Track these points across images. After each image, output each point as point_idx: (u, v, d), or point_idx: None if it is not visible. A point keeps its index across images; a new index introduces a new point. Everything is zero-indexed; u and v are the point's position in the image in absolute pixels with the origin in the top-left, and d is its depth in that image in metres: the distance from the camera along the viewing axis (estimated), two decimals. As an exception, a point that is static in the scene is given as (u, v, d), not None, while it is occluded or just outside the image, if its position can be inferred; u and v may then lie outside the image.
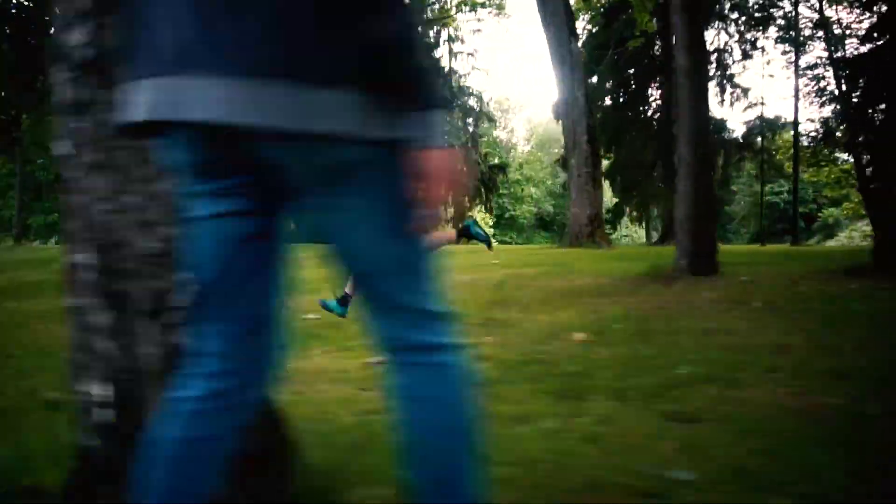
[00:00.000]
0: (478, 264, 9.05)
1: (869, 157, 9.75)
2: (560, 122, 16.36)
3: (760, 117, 27.09)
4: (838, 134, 26.11)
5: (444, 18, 23.63)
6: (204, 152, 1.01)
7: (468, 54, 33.75)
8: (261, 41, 0.91)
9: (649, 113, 25.85)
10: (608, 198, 28.02)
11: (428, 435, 1.13)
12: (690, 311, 5.06)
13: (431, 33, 27.75)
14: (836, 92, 24.40)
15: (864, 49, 10.70)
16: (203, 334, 1.12)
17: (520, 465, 1.87)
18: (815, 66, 25.78)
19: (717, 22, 25.41)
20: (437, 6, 27.37)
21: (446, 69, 32.88)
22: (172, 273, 1.45)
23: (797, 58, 25.63)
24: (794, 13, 25.21)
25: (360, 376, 3.22)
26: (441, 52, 32.11)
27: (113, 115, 1.16)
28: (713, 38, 24.97)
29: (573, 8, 19.32)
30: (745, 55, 26.29)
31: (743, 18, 25.83)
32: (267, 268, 1.13)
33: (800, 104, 25.71)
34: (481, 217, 43.99)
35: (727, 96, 26.58)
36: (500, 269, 8.40)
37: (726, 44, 26.39)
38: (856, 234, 42.33)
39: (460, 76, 34.33)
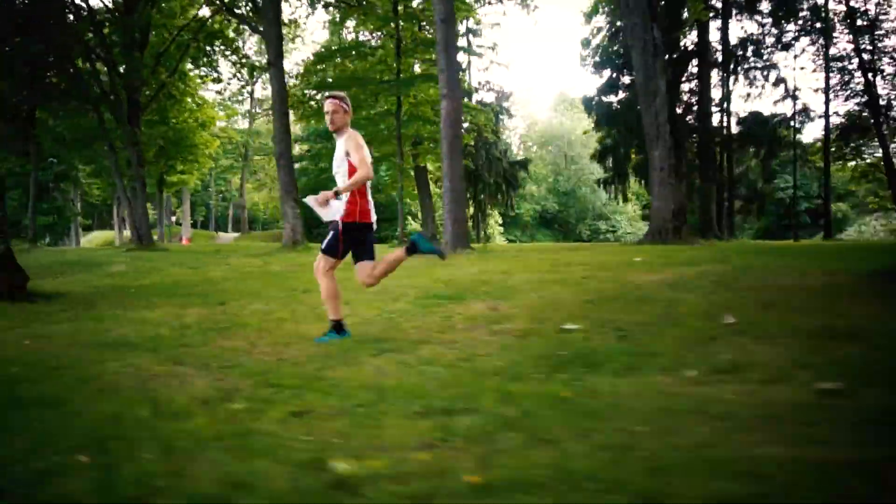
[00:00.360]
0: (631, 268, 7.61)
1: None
2: (640, 111, 16.04)
3: (804, 110, 27.07)
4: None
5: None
6: None
7: (488, 48, 33.67)
8: None
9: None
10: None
11: None
12: None
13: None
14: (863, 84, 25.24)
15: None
16: None
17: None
18: (842, 58, 26.24)
19: (744, 14, 25.60)
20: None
21: (465, 63, 32.94)
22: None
23: (827, 49, 25.82)
24: (823, 3, 25.41)
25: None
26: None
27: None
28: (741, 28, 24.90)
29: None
30: (779, 46, 26.31)
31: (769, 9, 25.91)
32: None
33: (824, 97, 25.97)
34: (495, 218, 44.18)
35: (759, 88, 26.68)
36: (665, 270, 7.07)
37: (752, 35, 26.50)
38: (865, 229, 42.63)
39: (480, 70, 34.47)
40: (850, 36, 25.22)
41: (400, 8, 20.20)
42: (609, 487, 1.64)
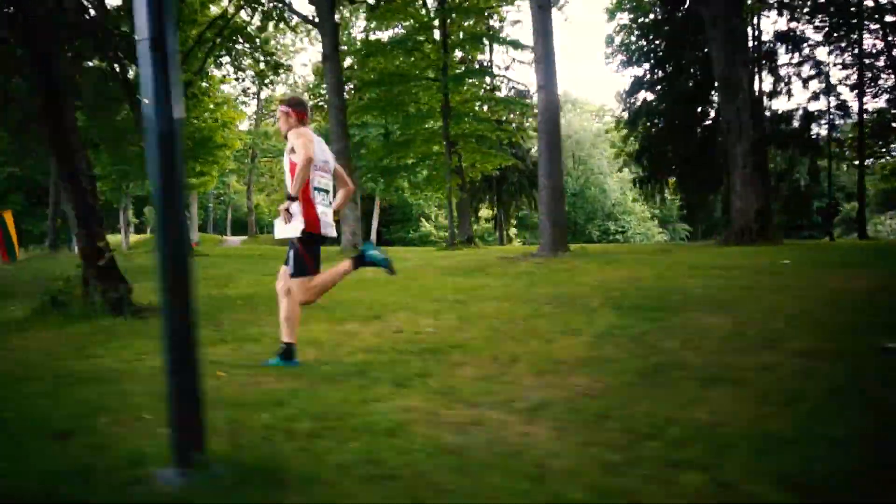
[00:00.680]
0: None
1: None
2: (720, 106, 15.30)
3: (841, 106, 26.55)
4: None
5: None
6: None
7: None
8: None
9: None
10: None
11: None
12: None
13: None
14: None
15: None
16: None
17: None
18: (872, 54, 25.86)
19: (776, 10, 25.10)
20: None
21: (486, 60, 32.33)
22: None
23: (860, 46, 25.38)
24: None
25: None
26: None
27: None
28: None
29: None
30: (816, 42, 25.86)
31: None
32: None
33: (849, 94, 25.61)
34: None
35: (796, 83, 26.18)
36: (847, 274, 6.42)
37: (791, 30, 25.98)
38: (881, 227, 42.39)
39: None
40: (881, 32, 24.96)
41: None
42: None
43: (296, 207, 3.81)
